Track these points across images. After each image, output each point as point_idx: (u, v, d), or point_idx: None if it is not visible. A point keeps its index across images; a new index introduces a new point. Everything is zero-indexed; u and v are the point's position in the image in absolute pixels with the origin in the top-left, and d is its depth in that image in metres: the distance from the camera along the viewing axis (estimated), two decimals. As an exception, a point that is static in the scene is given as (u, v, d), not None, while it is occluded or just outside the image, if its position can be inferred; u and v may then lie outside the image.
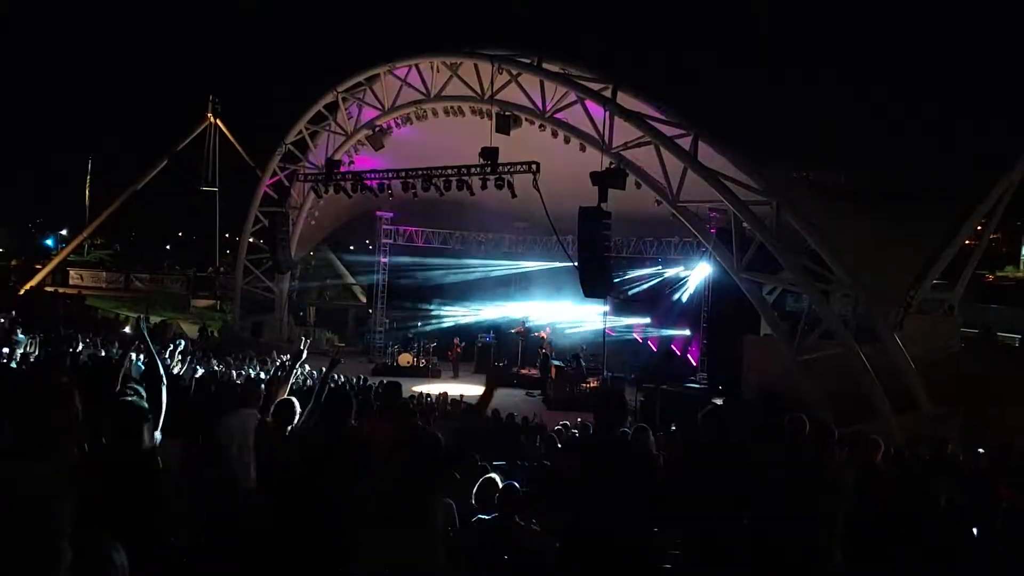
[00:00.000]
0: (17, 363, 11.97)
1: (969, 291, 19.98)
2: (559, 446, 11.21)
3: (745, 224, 16.86)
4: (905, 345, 15.62)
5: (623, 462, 4.89)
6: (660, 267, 25.55)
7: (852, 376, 15.59)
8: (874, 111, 15.28)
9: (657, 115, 17.78)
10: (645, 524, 4.83)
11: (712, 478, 5.15)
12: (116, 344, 16.97)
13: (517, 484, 5.56)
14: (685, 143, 17.21)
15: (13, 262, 43.59)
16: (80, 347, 15.65)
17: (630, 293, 25.35)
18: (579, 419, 15.09)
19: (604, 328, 25.45)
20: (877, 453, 6.60)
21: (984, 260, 22.46)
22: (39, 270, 36.67)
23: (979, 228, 19.02)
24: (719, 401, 18.48)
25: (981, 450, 9.61)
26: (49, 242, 52.49)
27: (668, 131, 17.45)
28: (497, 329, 28.73)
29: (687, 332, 24.88)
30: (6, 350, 13.50)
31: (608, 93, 18.17)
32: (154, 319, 26.56)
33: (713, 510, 5.00)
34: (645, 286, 25.59)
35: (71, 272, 38.65)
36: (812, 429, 5.67)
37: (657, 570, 5.08)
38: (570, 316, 26.81)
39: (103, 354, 14.64)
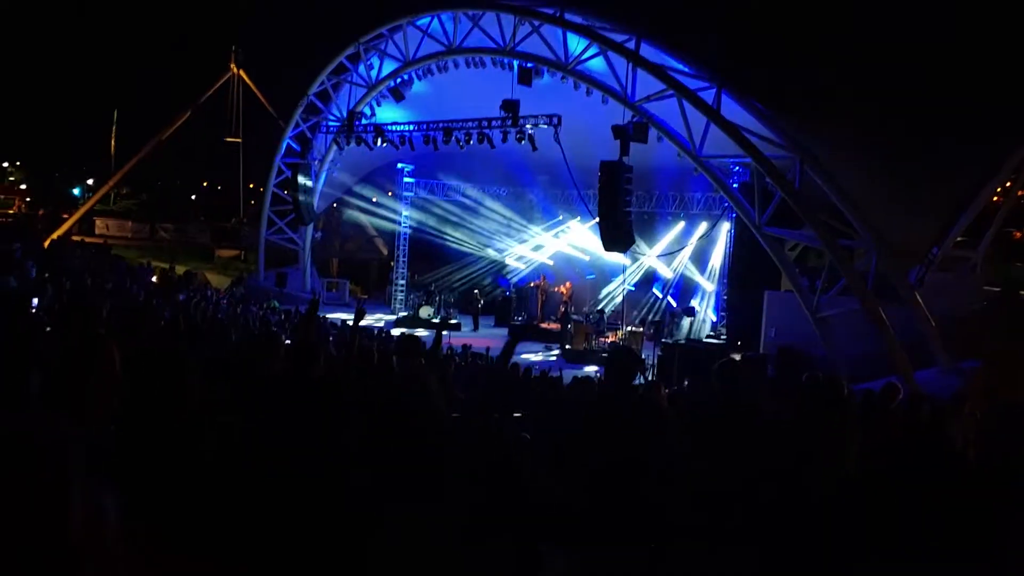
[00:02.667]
0: (44, 313, 12.18)
1: (995, 248, 19.77)
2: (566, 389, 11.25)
3: (767, 179, 16.72)
4: (927, 302, 15.53)
5: (629, 413, 4.95)
6: (682, 222, 25.40)
7: (872, 333, 15.54)
8: (902, 62, 14.96)
9: (680, 68, 17.58)
10: (651, 477, 4.89)
11: (719, 431, 5.21)
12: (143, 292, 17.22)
13: (527, 436, 5.64)
14: (708, 96, 17.03)
15: (40, 211, 44.08)
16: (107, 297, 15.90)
17: (650, 249, 25.32)
18: (595, 371, 15.17)
19: (623, 283, 25.47)
20: (895, 398, 6.70)
21: (1011, 217, 22.16)
22: (66, 219, 37.05)
23: (1008, 184, 18.75)
24: (737, 356, 18.53)
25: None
26: (76, 191, 52.98)
27: (691, 84, 17.26)
28: (517, 283, 28.85)
29: (708, 286, 24.81)
30: (36, 300, 13.71)
31: (631, 45, 17.96)
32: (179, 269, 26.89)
33: (719, 465, 5.06)
34: (666, 240, 25.53)
35: (97, 221, 39.06)
36: (823, 385, 5.71)
37: (665, 526, 5.15)
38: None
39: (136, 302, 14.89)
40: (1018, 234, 33.98)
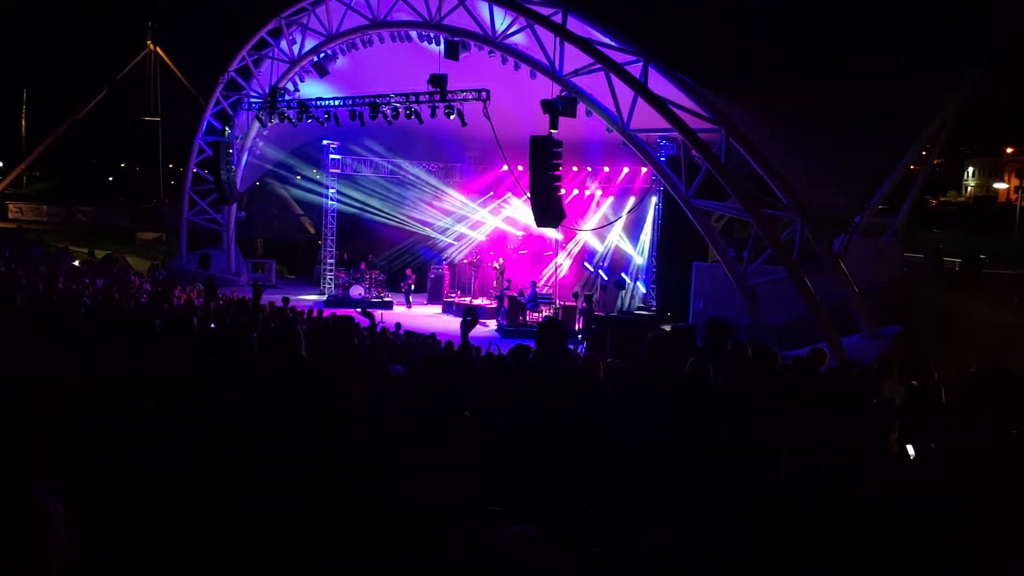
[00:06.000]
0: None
1: (913, 216, 20.36)
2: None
3: (694, 152, 16.86)
4: (850, 269, 15.90)
5: (565, 381, 4.93)
6: (612, 196, 25.53)
7: (798, 301, 15.86)
8: (823, 34, 15.30)
9: (607, 41, 17.57)
10: (588, 449, 4.88)
11: (655, 404, 5.21)
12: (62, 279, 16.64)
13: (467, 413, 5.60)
14: (635, 70, 17.06)
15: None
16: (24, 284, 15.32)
17: (582, 224, 25.43)
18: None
19: (555, 259, 25.57)
20: (821, 363, 6.82)
21: (928, 185, 22.86)
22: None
23: (923, 153, 19.30)
24: (667, 327, 18.76)
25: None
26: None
27: (618, 58, 17.26)
28: (450, 260, 28.67)
29: (639, 259, 25.04)
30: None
31: (558, 18, 17.86)
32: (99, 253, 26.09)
33: (654, 436, 5.07)
34: (598, 215, 25.66)
35: (11, 206, 37.49)
36: (756, 354, 5.77)
37: (601, 493, 5.16)
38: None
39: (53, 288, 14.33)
40: (934, 201, 35.11)
